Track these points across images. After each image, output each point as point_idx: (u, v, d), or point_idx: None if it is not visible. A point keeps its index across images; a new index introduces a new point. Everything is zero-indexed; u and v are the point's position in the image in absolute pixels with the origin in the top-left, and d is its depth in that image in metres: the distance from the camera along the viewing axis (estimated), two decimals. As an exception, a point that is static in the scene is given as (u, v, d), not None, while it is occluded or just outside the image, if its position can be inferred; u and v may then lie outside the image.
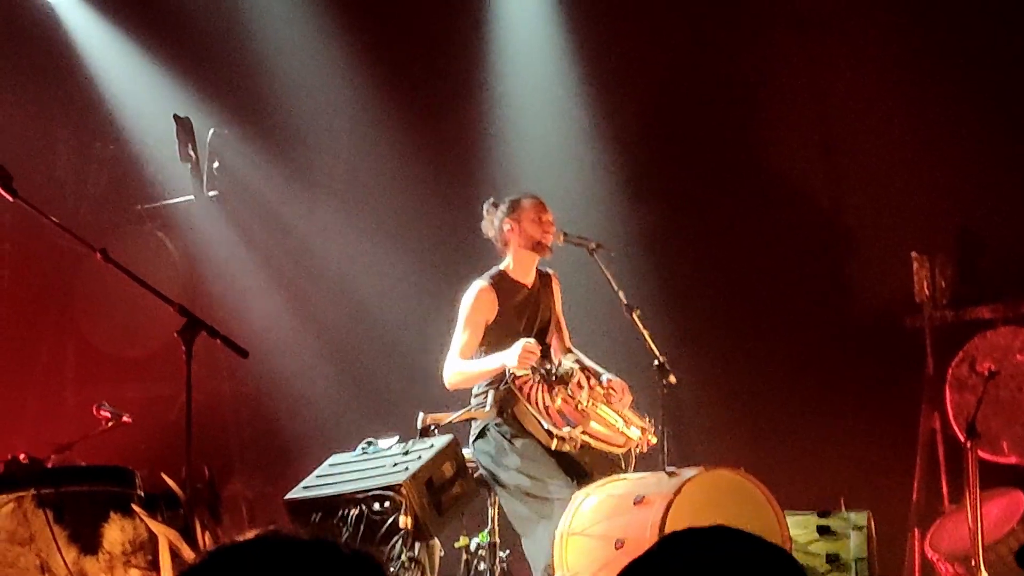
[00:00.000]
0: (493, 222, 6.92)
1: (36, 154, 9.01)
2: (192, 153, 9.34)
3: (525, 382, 6.51)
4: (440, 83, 9.73)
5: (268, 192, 9.81)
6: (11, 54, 9.27)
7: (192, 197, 9.56)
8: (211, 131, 9.48)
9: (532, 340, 6.53)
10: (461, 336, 6.73)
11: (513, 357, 6.46)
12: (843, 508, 7.09)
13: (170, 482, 4.69)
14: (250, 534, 4.70)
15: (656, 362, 6.60)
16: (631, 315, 6.74)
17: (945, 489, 8.37)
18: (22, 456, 5.06)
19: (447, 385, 6.75)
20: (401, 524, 6.15)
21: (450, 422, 6.66)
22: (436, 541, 6.51)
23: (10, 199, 5.10)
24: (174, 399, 8.24)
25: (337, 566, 2.01)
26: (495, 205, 6.95)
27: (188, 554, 4.54)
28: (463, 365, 6.67)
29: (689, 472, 6.08)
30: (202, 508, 4.70)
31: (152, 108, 9.55)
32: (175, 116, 9.37)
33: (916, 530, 8.20)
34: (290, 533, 2.04)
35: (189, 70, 9.62)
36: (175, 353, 4.95)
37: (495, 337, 6.75)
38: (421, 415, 6.62)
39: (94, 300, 9.12)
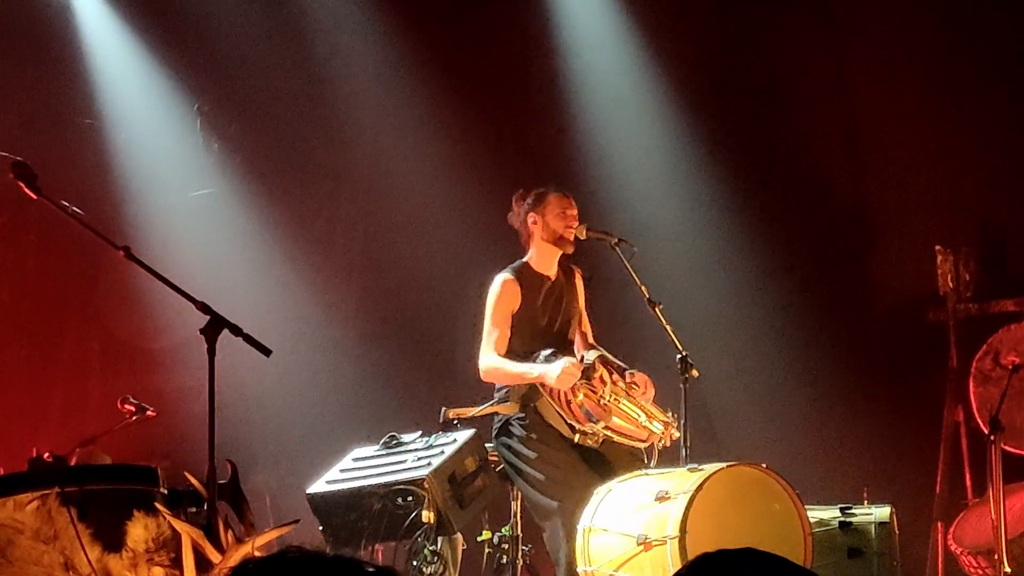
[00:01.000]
0: (519, 214, 6.92)
1: (58, 149, 9.01)
2: (215, 145, 9.35)
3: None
4: (466, 71, 9.68)
5: (290, 183, 9.80)
6: (31, 51, 9.28)
7: (214, 189, 9.58)
8: (233, 124, 9.49)
9: (574, 360, 6.49)
10: (493, 331, 6.70)
11: (554, 375, 6.41)
12: (865, 502, 7.07)
13: (193, 480, 4.70)
14: (271, 533, 4.70)
15: (679, 356, 6.59)
16: (654, 309, 6.72)
17: (968, 482, 8.37)
18: (46, 454, 5.09)
19: (481, 374, 6.72)
20: (424, 518, 6.16)
21: (473, 416, 6.66)
22: (459, 535, 6.53)
23: (34, 197, 5.10)
24: (199, 390, 8.25)
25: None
26: (522, 197, 6.93)
27: (211, 552, 4.55)
28: (501, 362, 6.61)
29: (712, 467, 6.06)
30: (225, 506, 4.71)
31: (174, 101, 9.55)
32: (198, 108, 9.38)
33: (939, 523, 8.20)
34: (313, 550, 2.03)
35: (211, 62, 9.61)
36: (199, 343, 4.95)
37: (516, 328, 6.74)
38: (444, 409, 6.61)
39: (119, 291, 9.13)
